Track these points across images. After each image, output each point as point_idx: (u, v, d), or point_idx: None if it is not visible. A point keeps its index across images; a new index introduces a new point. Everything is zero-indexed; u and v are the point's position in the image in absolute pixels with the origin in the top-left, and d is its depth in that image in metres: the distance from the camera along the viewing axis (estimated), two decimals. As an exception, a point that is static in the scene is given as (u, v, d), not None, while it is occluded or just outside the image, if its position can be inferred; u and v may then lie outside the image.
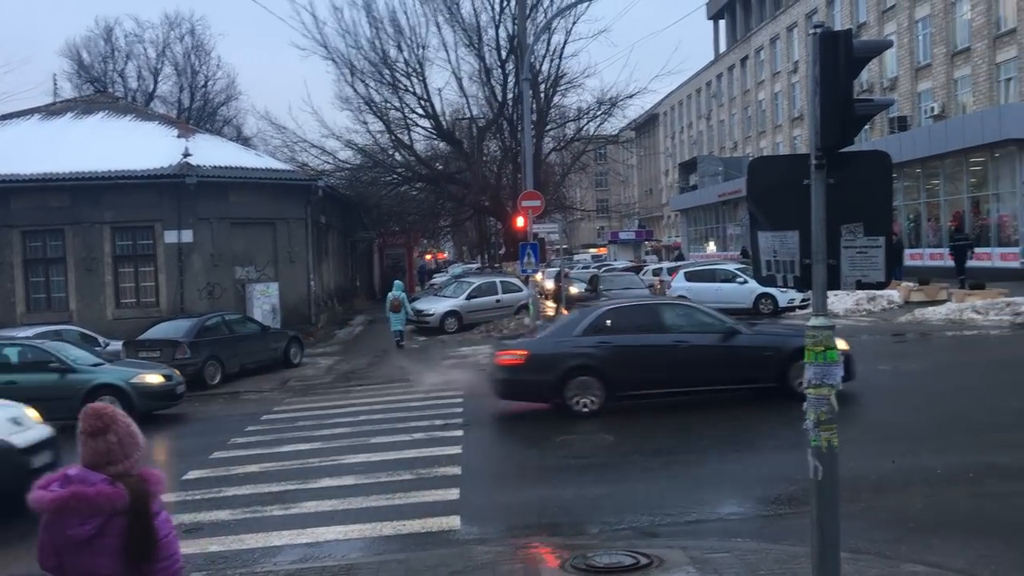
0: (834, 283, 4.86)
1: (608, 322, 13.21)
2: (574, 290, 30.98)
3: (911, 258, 33.63)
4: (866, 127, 28.48)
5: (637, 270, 39.24)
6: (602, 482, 9.18)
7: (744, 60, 67.83)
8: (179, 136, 27.56)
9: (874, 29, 45.82)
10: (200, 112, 52.62)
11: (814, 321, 4.83)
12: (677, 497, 8.51)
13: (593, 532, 7.63)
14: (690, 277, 30.07)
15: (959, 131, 33.00)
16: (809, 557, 4.94)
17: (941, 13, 42.93)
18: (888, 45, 5.95)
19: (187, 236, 25.22)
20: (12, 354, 15.35)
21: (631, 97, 34.02)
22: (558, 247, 41.27)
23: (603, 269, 42.53)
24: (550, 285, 33.02)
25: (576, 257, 66.02)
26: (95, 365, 15.35)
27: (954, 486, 8.30)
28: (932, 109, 42.33)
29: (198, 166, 24.89)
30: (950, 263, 29.10)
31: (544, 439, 11.39)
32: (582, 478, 9.41)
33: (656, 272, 36.51)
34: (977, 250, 31.24)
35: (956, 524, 7.17)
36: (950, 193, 35.21)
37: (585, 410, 12.51)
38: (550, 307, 30.76)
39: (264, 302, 25.75)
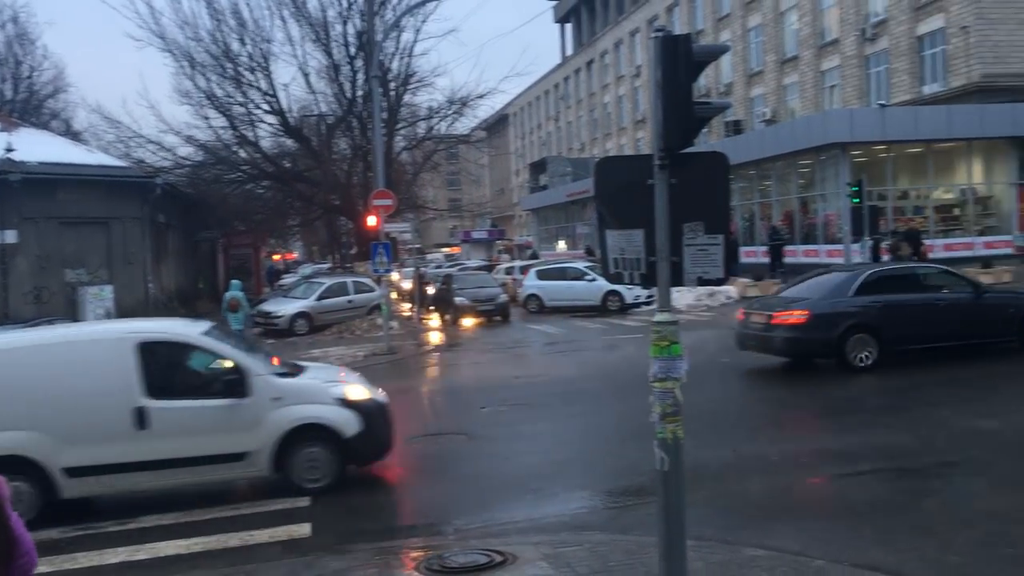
0: (677, 280, 5.01)
1: (876, 283, 14.13)
2: (431, 290, 30.99)
3: (746, 255, 35.34)
4: (705, 130, 29.75)
5: (490, 269, 39.51)
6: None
7: (590, 63, 69.57)
8: (1, 130, 25.70)
9: (710, 36, 47.95)
10: (25, 105, 49.21)
11: (659, 316, 4.96)
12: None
13: (452, 530, 7.60)
14: (541, 275, 30.55)
15: (789, 135, 34.94)
16: (657, 546, 5.08)
17: (772, 23, 45.37)
18: (725, 49, 6.19)
19: (11, 237, 23.60)
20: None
21: (481, 97, 34.14)
22: (411, 247, 40.97)
23: (457, 268, 42.61)
24: (407, 285, 32.75)
25: (429, 257, 65.86)
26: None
27: (788, 472, 8.76)
28: (764, 114, 44.70)
29: (22, 162, 23.27)
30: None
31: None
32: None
33: (508, 271, 36.89)
34: (803, 247, 33.26)
35: (792, 508, 7.56)
36: (781, 193, 37.22)
37: (862, 365, 13.47)
38: (405, 307, 30.57)
39: (97, 306, 24.38)
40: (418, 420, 12.70)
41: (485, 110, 41.66)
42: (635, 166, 5.16)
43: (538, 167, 68.38)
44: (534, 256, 51.76)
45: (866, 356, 13.52)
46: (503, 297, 28.03)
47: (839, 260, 29.05)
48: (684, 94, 4.84)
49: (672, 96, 4.80)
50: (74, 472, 8.38)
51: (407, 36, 32.94)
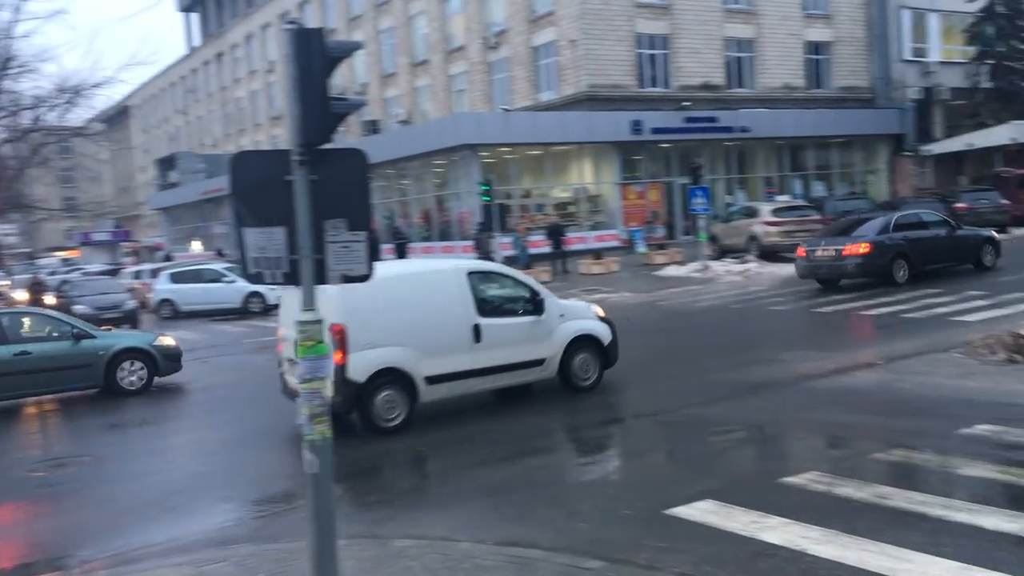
0: (321, 278, 4.93)
1: (899, 225, 19.28)
2: (51, 300, 27.33)
3: (387, 252, 35.99)
4: (343, 129, 29.95)
5: (115, 273, 36.39)
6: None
7: (220, 56, 66.70)
8: None
9: (343, 36, 48.17)
10: None
11: (303, 316, 4.84)
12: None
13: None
14: (175, 278, 28.73)
15: (423, 135, 36.19)
16: (307, 550, 4.97)
17: (402, 26, 46.62)
18: (358, 46, 6.20)
19: None
20: (21, 322, 14.31)
21: (97, 86, 31.16)
22: (19, 251, 36.44)
23: (78, 273, 38.71)
24: (19, 296, 29.08)
25: (43, 262, 59.18)
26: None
27: (440, 459, 9.05)
28: (399, 114, 45.84)
29: None
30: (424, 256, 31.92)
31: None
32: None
33: (137, 275, 34.16)
34: (441, 244, 34.64)
35: (437, 496, 7.80)
36: (419, 192, 38.46)
37: (902, 281, 18.51)
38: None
39: None
40: (38, 446, 11.35)
41: (103, 101, 38.24)
42: (273, 162, 4.99)
43: (167, 163, 64.25)
44: (167, 258, 48.63)
45: (902, 274, 18.59)
46: (130, 303, 25.91)
47: (472, 255, 30.51)
48: (320, 89, 4.77)
49: (308, 91, 4.71)
50: (431, 380, 10.13)
51: (5, 15, 29.27)
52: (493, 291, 10.99)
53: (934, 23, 43.08)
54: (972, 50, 41.04)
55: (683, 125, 35.69)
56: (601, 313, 11.96)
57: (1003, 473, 6.96)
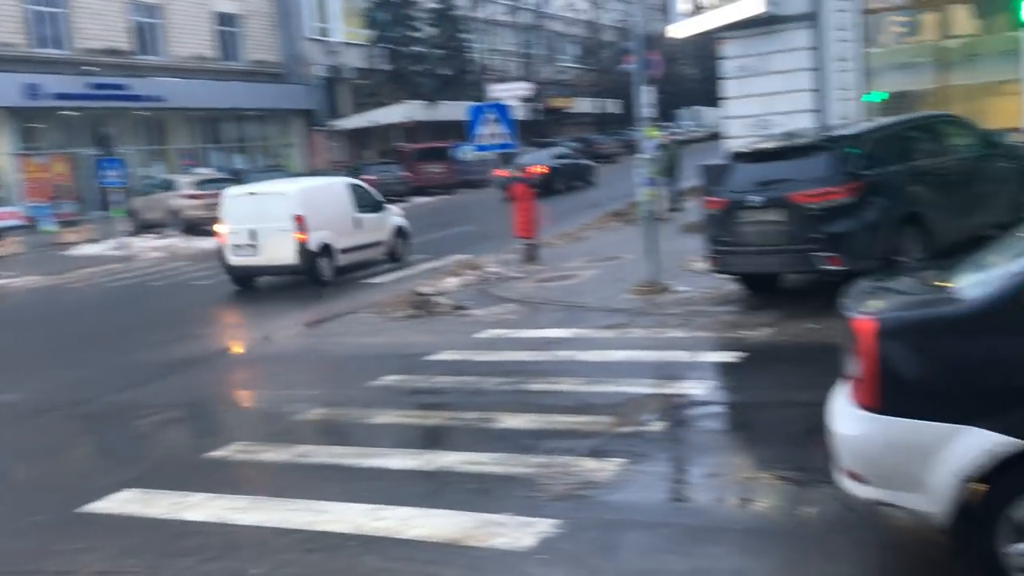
0: None
1: None
2: None
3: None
4: None
5: None
6: None
7: None
8: None
9: None
10: None
11: None
12: None
13: None
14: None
15: None
16: None
17: None
18: None
19: None
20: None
21: None
22: None
23: None
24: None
25: None
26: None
27: None
28: None
29: None
30: None
31: None
32: None
33: None
34: None
35: None
36: None
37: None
38: None
39: None
40: None
41: None
42: None
43: None
44: None
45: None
46: None
47: None
48: None
49: None
50: (343, 251, 16.04)
51: None
52: (360, 196, 16.97)
53: (335, 5, 45.69)
54: (370, 33, 44.67)
55: (89, 91, 32.85)
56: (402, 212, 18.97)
57: (406, 417, 7.75)
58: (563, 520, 5.10)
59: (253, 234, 15.30)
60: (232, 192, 16.50)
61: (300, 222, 15.05)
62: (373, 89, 44.65)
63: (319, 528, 5.35)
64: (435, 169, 37.02)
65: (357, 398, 8.35)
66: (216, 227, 16.36)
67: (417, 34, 45.56)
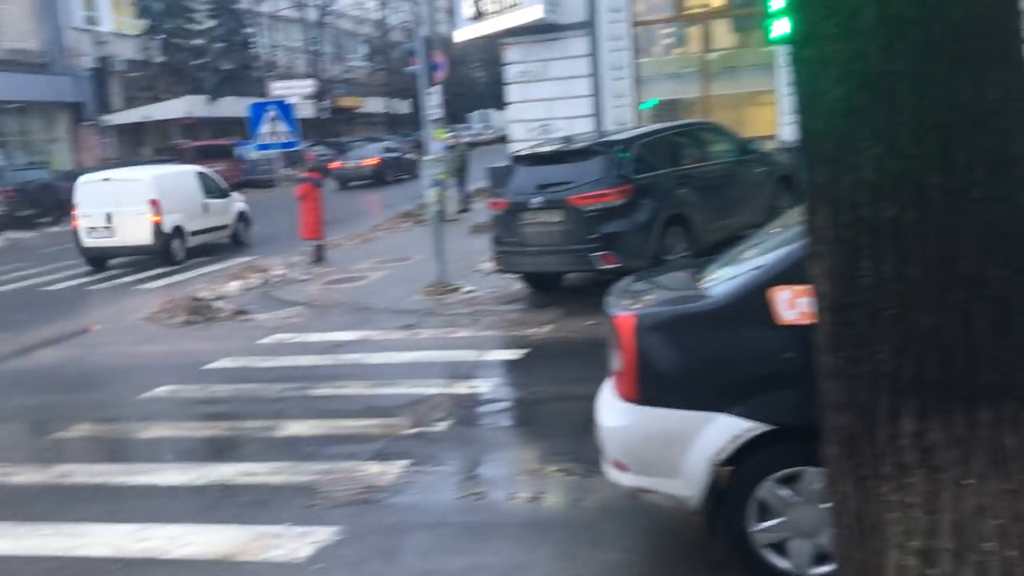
0: None
1: None
2: None
3: None
4: None
5: None
6: None
7: None
8: None
9: None
10: None
11: None
12: None
13: None
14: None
15: None
16: None
17: None
18: None
19: None
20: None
21: None
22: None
23: None
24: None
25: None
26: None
27: None
28: None
29: None
30: None
31: None
32: None
33: None
34: None
35: None
36: None
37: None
38: None
39: None
40: None
41: None
42: None
43: None
44: None
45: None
46: None
47: None
48: None
49: None
50: (193, 233, 17.08)
51: None
52: (207, 183, 18.12)
53: (104, -8, 42.78)
54: (144, 23, 42.11)
55: None
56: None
57: (180, 430, 7.36)
58: (343, 527, 5.01)
59: (109, 217, 16.16)
60: (86, 179, 17.43)
61: (155, 205, 16.13)
62: (148, 82, 42.14)
63: (76, 554, 4.98)
64: (217, 168, 35.35)
65: (126, 412, 7.83)
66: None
67: (195, 26, 43.43)
